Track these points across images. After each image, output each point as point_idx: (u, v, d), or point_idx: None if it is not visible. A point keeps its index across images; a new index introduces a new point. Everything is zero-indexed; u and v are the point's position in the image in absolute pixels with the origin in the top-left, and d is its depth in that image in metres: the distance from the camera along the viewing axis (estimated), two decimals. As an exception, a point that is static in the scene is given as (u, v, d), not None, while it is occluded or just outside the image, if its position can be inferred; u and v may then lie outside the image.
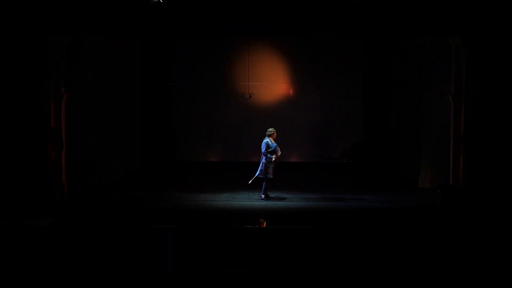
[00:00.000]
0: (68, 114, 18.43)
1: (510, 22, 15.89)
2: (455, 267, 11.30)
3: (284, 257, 11.63)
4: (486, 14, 15.92)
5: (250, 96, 20.12)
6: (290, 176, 20.61)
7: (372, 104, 21.14)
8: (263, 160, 17.89)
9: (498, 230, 13.09)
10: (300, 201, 17.81)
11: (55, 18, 16.17)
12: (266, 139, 17.96)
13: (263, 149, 17.91)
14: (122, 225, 15.06)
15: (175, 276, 11.41)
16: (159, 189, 19.14)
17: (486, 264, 11.25)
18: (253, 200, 17.88)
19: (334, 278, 11.26)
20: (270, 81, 21.50)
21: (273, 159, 17.88)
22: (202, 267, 11.44)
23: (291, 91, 21.88)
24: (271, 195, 18.12)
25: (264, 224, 13.52)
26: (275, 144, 17.96)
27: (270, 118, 21.72)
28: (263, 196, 17.91)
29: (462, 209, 15.91)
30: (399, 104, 20.60)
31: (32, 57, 16.68)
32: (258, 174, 17.97)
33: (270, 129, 18.15)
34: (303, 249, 11.78)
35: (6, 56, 16.48)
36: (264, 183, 17.98)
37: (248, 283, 11.05)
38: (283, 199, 18.01)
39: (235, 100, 21.24)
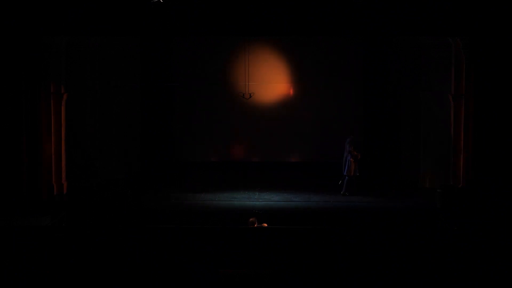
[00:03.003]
0: (68, 113, 18.43)
1: (510, 23, 15.89)
2: (455, 266, 11.31)
3: (284, 257, 11.64)
4: (486, 15, 15.92)
5: (250, 96, 20.12)
6: (290, 176, 20.64)
7: (372, 104, 21.17)
8: (349, 158, 18.43)
9: (498, 230, 13.09)
10: (300, 201, 17.81)
11: (55, 18, 16.17)
12: (349, 138, 18.62)
13: (349, 148, 18.46)
14: (122, 225, 15.07)
15: (175, 276, 11.41)
16: (159, 189, 19.14)
17: (486, 264, 11.26)
18: (253, 200, 17.88)
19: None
20: (270, 81, 21.51)
21: (359, 157, 18.47)
22: (202, 267, 11.44)
23: (291, 91, 21.89)
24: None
25: (256, 223, 13.50)
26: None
27: (270, 118, 21.76)
28: (345, 192, 18.43)
29: (462, 209, 15.91)
30: (399, 104, 20.61)
31: (32, 57, 16.69)
32: (346, 173, 18.48)
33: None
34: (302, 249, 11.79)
35: (7, 57, 16.49)
36: (347, 180, 18.48)
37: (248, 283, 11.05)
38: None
39: (235, 100, 21.25)
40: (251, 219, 13.64)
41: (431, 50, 18.74)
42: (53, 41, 17.42)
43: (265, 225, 13.88)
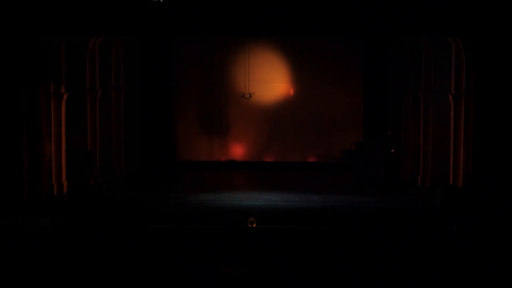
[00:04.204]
0: (68, 113, 18.41)
1: (510, 23, 15.89)
2: (455, 266, 11.31)
3: (284, 257, 11.63)
4: (486, 15, 15.92)
5: (250, 96, 20.13)
6: (290, 176, 20.63)
7: (372, 104, 21.19)
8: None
9: (498, 230, 13.08)
10: (300, 201, 17.80)
11: (55, 18, 16.17)
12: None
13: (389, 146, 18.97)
14: (122, 225, 15.07)
15: (175, 276, 11.41)
16: (159, 189, 19.13)
17: (486, 264, 11.25)
18: (253, 200, 17.87)
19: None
20: (270, 81, 21.53)
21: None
22: (202, 267, 11.44)
23: (291, 91, 21.90)
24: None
25: (254, 223, 13.47)
26: None
27: (270, 118, 21.77)
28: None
29: (462, 209, 15.90)
30: (399, 104, 20.61)
31: (32, 57, 16.69)
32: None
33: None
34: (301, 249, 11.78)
35: (7, 57, 16.49)
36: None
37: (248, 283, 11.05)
38: None
39: (235, 100, 21.27)
40: (250, 219, 13.62)
41: (431, 50, 18.73)
42: (53, 41, 17.41)
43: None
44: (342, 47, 21.38)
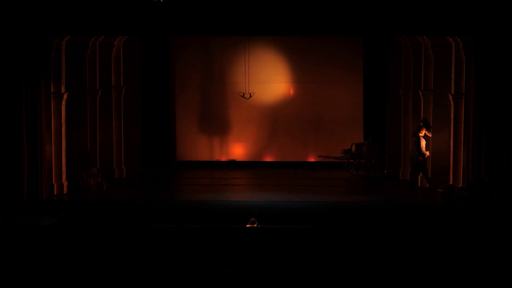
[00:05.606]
0: (68, 113, 18.42)
1: (510, 23, 15.89)
2: (455, 266, 11.31)
3: (284, 257, 11.64)
4: (486, 15, 15.92)
5: (250, 96, 20.14)
6: (290, 176, 20.63)
7: (372, 103, 21.21)
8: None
9: (498, 230, 13.08)
10: (300, 201, 17.79)
11: (55, 18, 16.18)
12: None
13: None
14: (122, 225, 15.06)
15: (175, 276, 11.41)
16: (158, 189, 19.14)
17: (486, 264, 11.26)
18: (253, 200, 17.86)
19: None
20: (270, 81, 21.54)
21: (426, 155, 18.57)
22: (202, 267, 11.44)
23: (291, 91, 21.91)
24: None
25: (256, 223, 13.48)
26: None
27: (270, 118, 21.78)
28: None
29: (462, 209, 15.90)
30: (399, 104, 20.61)
31: (32, 57, 16.69)
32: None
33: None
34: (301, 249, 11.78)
35: (7, 56, 16.49)
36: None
37: (248, 283, 11.05)
38: None
39: (235, 100, 21.28)
40: (252, 219, 13.62)
41: (431, 50, 18.73)
42: (53, 40, 17.42)
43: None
44: (342, 47, 21.40)
